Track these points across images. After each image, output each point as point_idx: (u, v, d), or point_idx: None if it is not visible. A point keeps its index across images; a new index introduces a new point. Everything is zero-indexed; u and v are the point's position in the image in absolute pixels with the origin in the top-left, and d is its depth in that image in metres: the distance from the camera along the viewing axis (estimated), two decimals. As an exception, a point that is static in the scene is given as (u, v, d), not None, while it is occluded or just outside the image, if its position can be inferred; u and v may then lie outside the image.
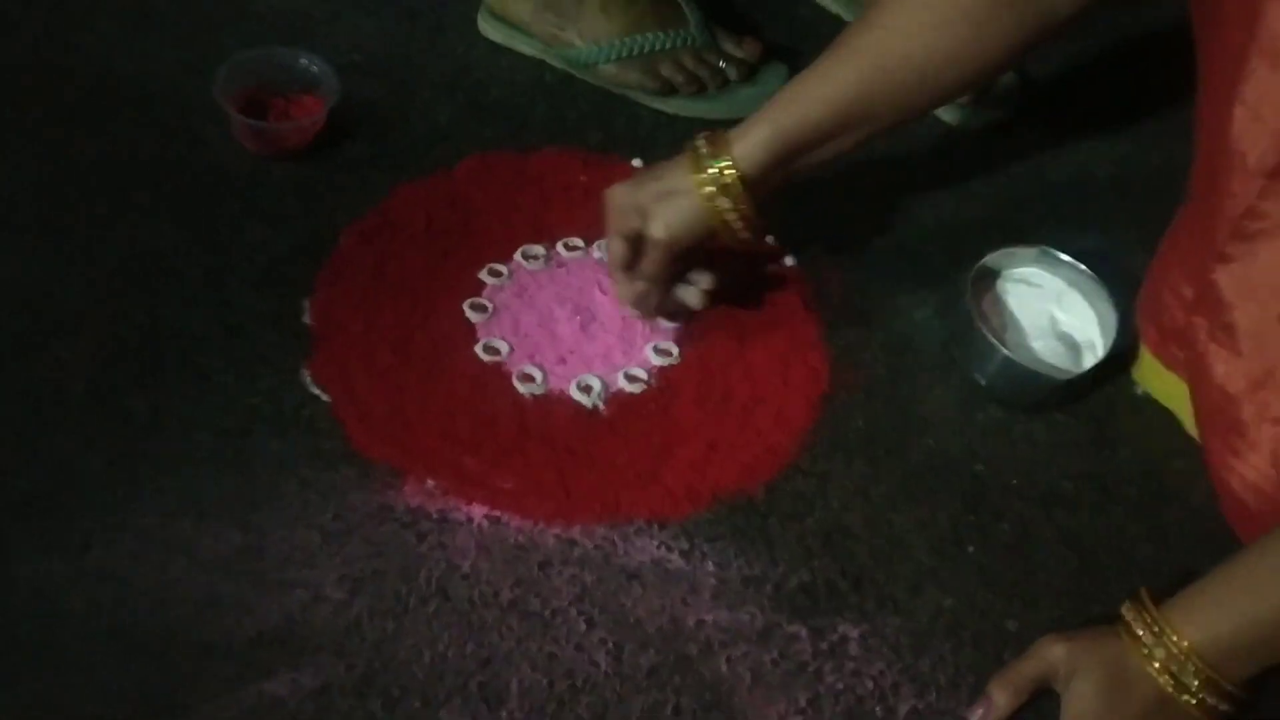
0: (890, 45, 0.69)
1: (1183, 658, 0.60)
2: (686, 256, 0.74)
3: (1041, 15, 0.67)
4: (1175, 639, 0.60)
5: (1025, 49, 0.70)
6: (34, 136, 0.83)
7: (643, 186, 0.72)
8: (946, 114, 0.94)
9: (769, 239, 0.85)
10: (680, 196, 0.71)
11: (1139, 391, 0.80)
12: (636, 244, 0.72)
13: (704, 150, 0.71)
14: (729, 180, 0.70)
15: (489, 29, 0.95)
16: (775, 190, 0.73)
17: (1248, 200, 0.65)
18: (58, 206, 0.80)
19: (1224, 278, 0.68)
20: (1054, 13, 0.68)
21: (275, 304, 0.77)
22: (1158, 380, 0.77)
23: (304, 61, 0.86)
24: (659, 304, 0.76)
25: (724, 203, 0.71)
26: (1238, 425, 0.68)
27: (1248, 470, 0.68)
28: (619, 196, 0.72)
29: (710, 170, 0.70)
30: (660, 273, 0.74)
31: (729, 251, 0.76)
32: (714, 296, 0.77)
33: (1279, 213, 0.64)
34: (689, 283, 0.76)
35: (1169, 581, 0.64)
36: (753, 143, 0.70)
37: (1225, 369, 0.69)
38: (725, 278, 0.77)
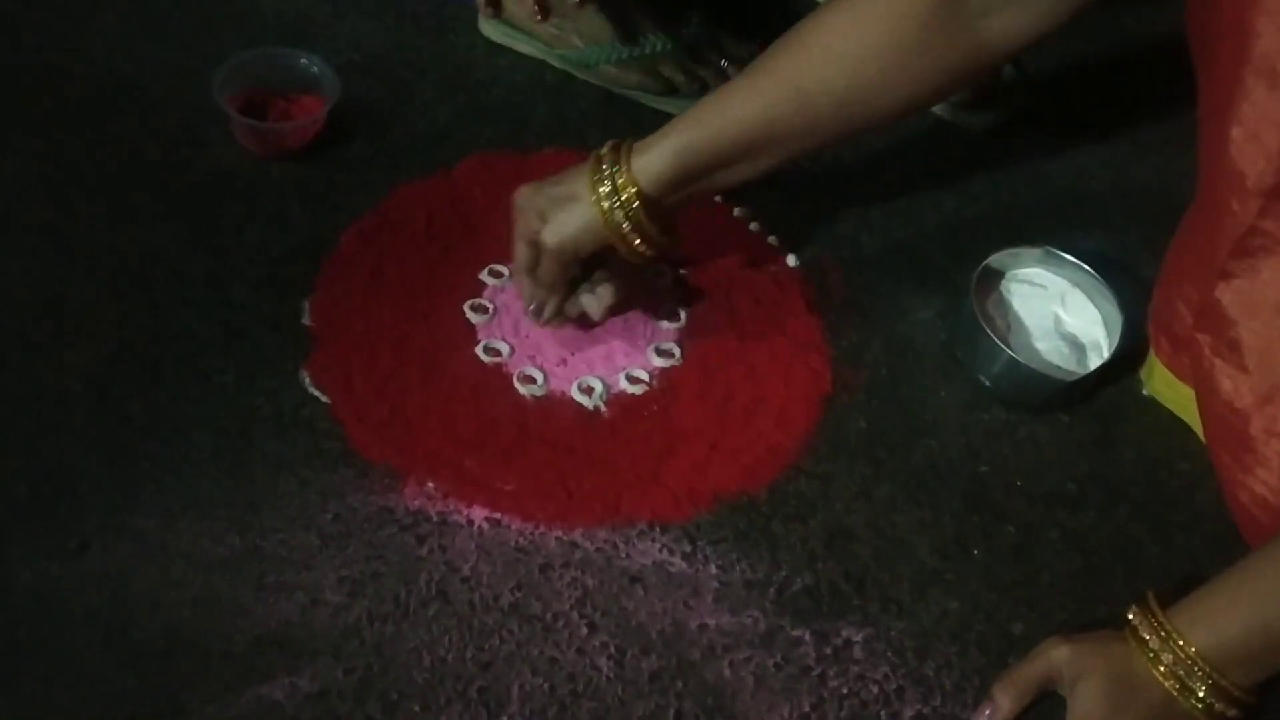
0: (811, 70, 0.66)
1: (1189, 662, 0.60)
2: (588, 263, 0.71)
3: (973, 51, 0.65)
4: (1182, 644, 0.60)
5: (952, 86, 0.68)
6: (34, 137, 0.83)
7: (543, 190, 0.69)
8: (948, 113, 0.94)
9: (771, 239, 0.85)
10: (575, 204, 0.68)
11: (1144, 392, 0.80)
12: (537, 248, 0.70)
13: (605, 159, 0.68)
14: (626, 195, 0.67)
15: (489, 29, 0.94)
16: (676, 208, 0.70)
17: (1248, 219, 0.65)
18: (57, 207, 0.80)
19: (1227, 295, 0.68)
20: (986, 48, 0.65)
21: (275, 304, 0.76)
22: (1170, 391, 0.77)
23: (304, 62, 0.86)
24: (557, 310, 0.74)
25: (619, 216, 0.67)
26: (1246, 441, 0.68)
27: (1257, 485, 0.68)
28: (522, 197, 0.69)
29: (606, 184, 0.67)
30: (554, 280, 0.71)
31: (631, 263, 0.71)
32: (615, 308, 0.74)
33: (1278, 230, 0.64)
34: (591, 291, 0.73)
35: (1175, 583, 0.64)
36: (655, 158, 0.67)
37: (1232, 385, 0.69)
38: (625, 291, 0.74)
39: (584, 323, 0.76)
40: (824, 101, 0.66)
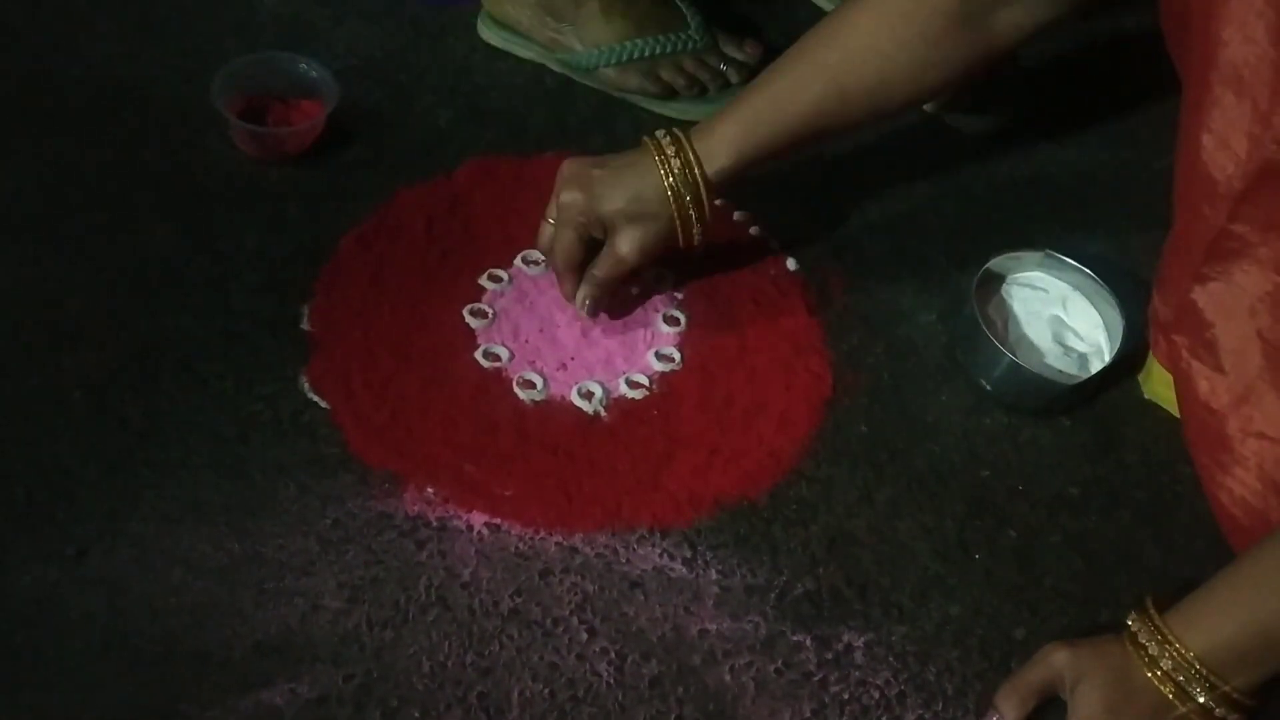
0: (849, 66, 0.70)
1: (1187, 667, 0.59)
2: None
3: (991, 38, 0.70)
4: (1179, 648, 0.60)
5: (967, 75, 0.73)
6: (34, 142, 0.83)
7: (608, 198, 0.72)
8: (950, 117, 0.94)
9: (772, 243, 0.85)
10: (656, 221, 0.72)
11: (1146, 396, 0.80)
12: (587, 242, 0.73)
13: (674, 168, 0.71)
14: (702, 199, 0.72)
15: (488, 33, 0.94)
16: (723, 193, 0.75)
17: (1219, 223, 0.66)
18: (57, 212, 0.80)
19: (1202, 297, 0.69)
20: (1003, 36, 0.70)
21: (274, 309, 0.76)
22: (1167, 391, 0.77)
23: (303, 66, 0.86)
24: (604, 303, 0.77)
25: (692, 215, 0.72)
26: (1223, 441, 0.69)
27: (1235, 485, 0.69)
28: (582, 204, 0.72)
29: (684, 192, 0.71)
30: (615, 283, 0.75)
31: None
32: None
33: (1250, 234, 0.65)
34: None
35: (1176, 587, 0.64)
36: (723, 161, 0.71)
37: (1208, 386, 0.70)
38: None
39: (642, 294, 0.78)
40: (859, 94, 0.71)
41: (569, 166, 0.74)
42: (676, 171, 0.71)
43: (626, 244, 0.72)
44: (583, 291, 0.75)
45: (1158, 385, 0.78)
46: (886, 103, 0.72)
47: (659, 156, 0.72)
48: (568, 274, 0.75)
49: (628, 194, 0.72)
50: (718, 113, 0.73)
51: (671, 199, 0.72)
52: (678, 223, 0.72)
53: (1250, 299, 0.67)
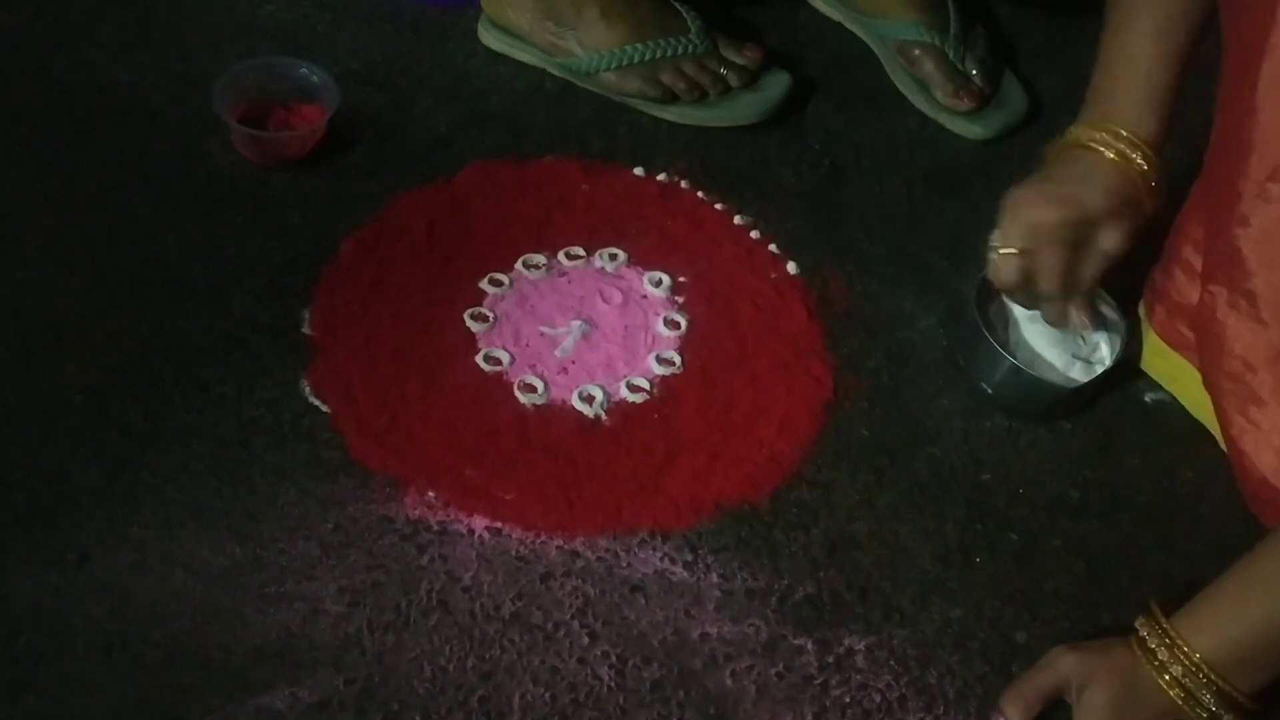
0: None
1: (1195, 671, 0.59)
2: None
3: None
4: (1187, 650, 0.60)
5: None
6: (36, 147, 0.83)
7: (1083, 199, 0.70)
8: (950, 120, 0.94)
9: (772, 247, 0.85)
10: (1131, 206, 0.71)
11: (1147, 399, 0.80)
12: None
13: (1100, 135, 0.70)
14: (1140, 148, 0.70)
15: (488, 37, 0.94)
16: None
17: (1275, 160, 0.64)
18: (58, 217, 0.80)
19: (1246, 243, 0.67)
20: None
21: (275, 314, 0.76)
22: (1160, 361, 0.76)
23: (304, 71, 0.86)
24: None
25: (1149, 179, 0.71)
26: (1256, 398, 0.68)
27: (1265, 444, 0.67)
28: (1056, 217, 0.70)
29: (1121, 148, 0.70)
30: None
31: None
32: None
33: None
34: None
35: (1179, 590, 0.64)
36: (1138, 108, 0.71)
37: (1249, 338, 0.68)
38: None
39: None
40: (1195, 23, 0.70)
41: (1015, 196, 0.71)
42: (1125, 154, 0.70)
43: (1115, 238, 0.71)
44: (1080, 304, 0.74)
45: (1150, 354, 0.77)
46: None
47: (1096, 143, 0.70)
48: (1059, 294, 0.73)
49: (1099, 188, 0.70)
50: (1101, 93, 0.72)
51: (1137, 179, 0.70)
52: (1144, 194, 0.71)
53: None
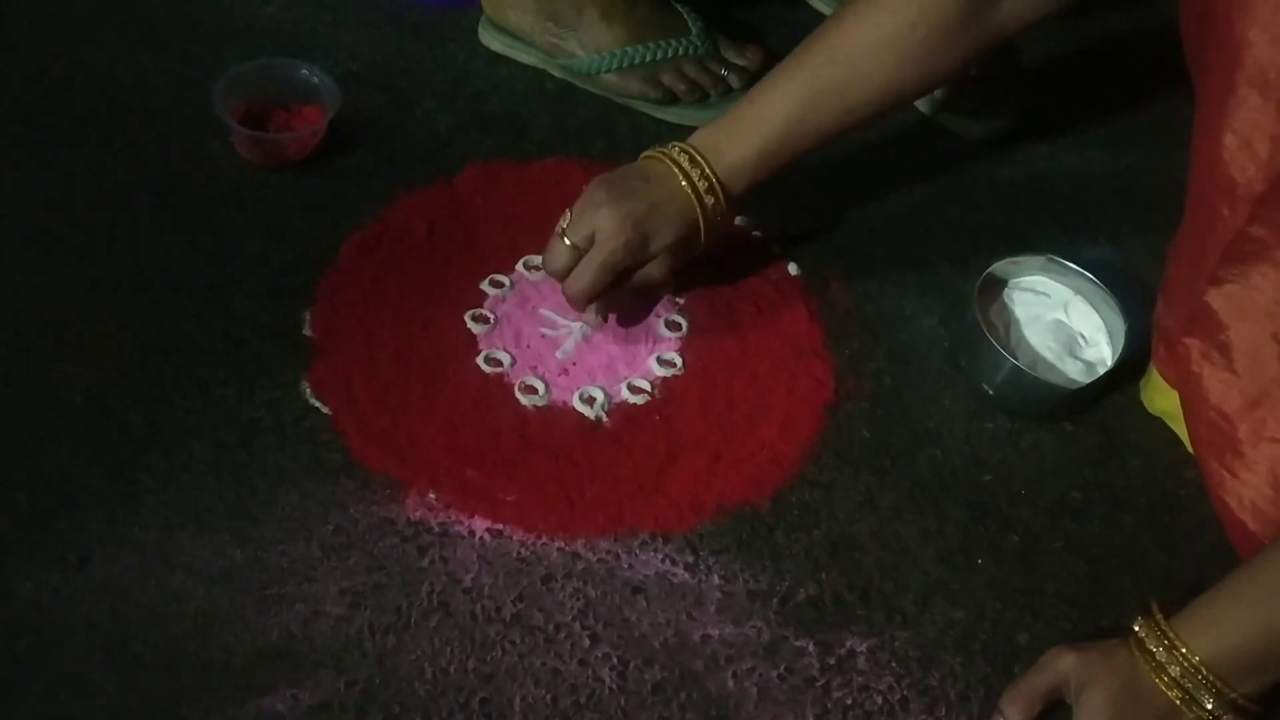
0: (852, 80, 0.72)
1: (1195, 673, 0.59)
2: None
3: (994, 30, 0.72)
4: (1186, 653, 0.60)
5: (973, 61, 0.74)
6: (36, 149, 0.83)
7: (656, 237, 0.73)
8: (952, 122, 0.94)
9: (774, 248, 0.85)
10: (689, 248, 0.75)
11: (1147, 409, 0.79)
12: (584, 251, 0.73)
13: (702, 190, 0.73)
14: (720, 202, 0.74)
15: (489, 39, 0.94)
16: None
17: (1237, 225, 0.65)
18: (59, 218, 0.80)
19: (1217, 299, 0.68)
20: (1005, 29, 0.71)
21: (276, 315, 0.76)
22: (1162, 399, 0.77)
23: (304, 72, 0.86)
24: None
25: (714, 223, 0.75)
26: (1234, 445, 0.68)
27: (1245, 490, 0.68)
28: (632, 247, 0.72)
29: (708, 197, 0.73)
30: (606, 285, 0.74)
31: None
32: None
33: (1268, 237, 0.64)
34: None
35: (1180, 592, 0.64)
36: (738, 167, 0.74)
37: (1221, 389, 0.69)
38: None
39: (640, 294, 0.78)
40: (860, 94, 0.73)
41: (603, 205, 0.72)
42: (709, 204, 0.73)
43: (663, 269, 0.74)
44: (599, 307, 0.76)
45: (1153, 392, 0.78)
46: (896, 96, 0.74)
47: (687, 184, 0.73)
48: (586, 304, 0.75)
49: (674, 231, 0.73)
50: (724, 131, 0.74)
51: (703, 227, 0.74)
52: (704, 233, 0.75)
53: (1267, 301, 0.66)
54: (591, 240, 0.72)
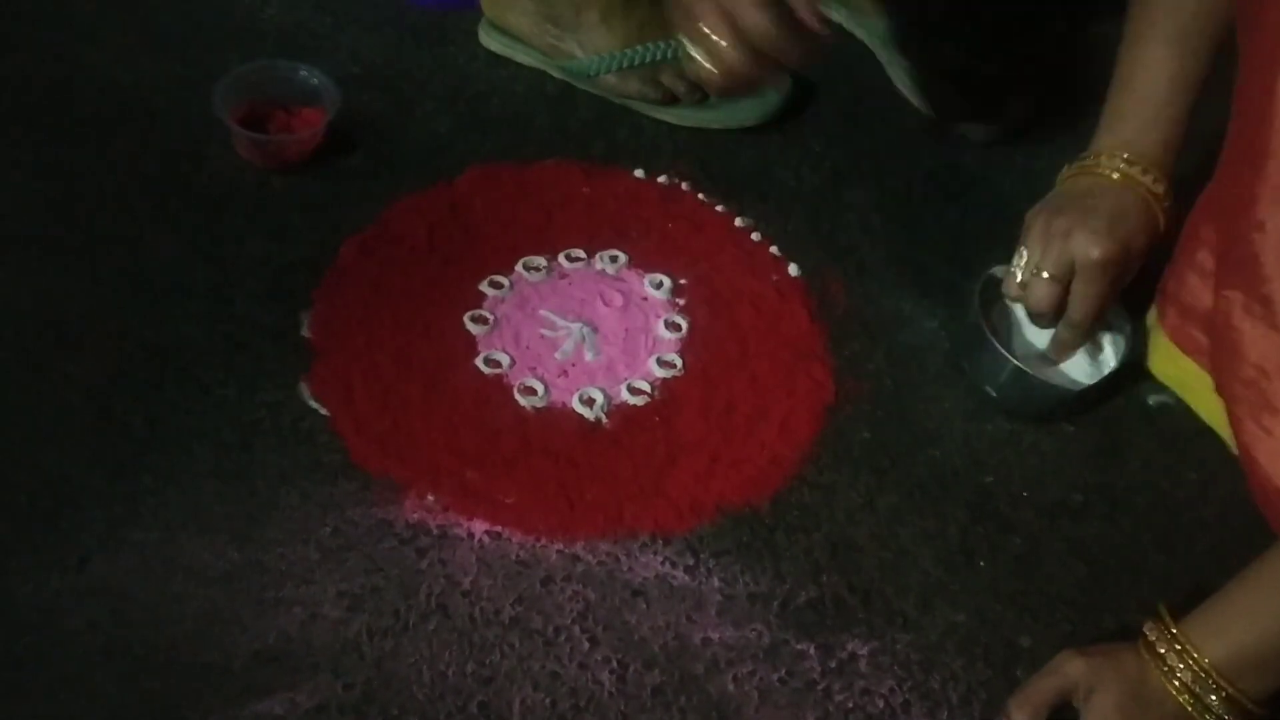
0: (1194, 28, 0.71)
1: (1204, 676, 0.59)
2: None
3: None
4: (1195, 656, 0.59)
5: None
6: (36, 150, 0.83)
7: (1120, 239, 0.72)
8: (950, 124, 0.94)
9: (773, 249, 0.85)
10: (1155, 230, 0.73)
11: (1150, 401, 0.79)
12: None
13: (1137, 174, 0.72)
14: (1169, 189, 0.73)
15: (489, 40, 0.94)
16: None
17: None
18: (59, 220, 0.80)
19: (1263, 249, 0.66)
20: None
21: (276, 317, 0.76)
22: (1171, 366, 0.76)
23: (304, 74, 0.86)
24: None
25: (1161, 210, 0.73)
26: (1271, 405, 0.67)
27: (1278, 453, 0.67)
28: (1104, 248, 0.71)
29: (1156, 187, 0.72)
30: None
31: None
32: None
33: None
34: None
35: (1182, 594, 0.63)
36: (1163, 146, 0.73)
37: (1263, 345, 0.67)
38: None
39: None
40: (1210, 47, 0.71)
41: (1048, 220, 0.73)
42: (1148, 186, 0.72)
43: (1134, 271, 0.73)
44: (1066, 336, 0.75)
45: (1161, 360, 0.77)
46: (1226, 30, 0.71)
47: (1125, 178, 0.72)
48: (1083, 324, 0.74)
49: (1139, 226, 0.72)
50: (1123, 121, 0.73)
51: (1158, 207, 0.72)
52: (1161, 219, 0.73)
53: None
54: (1072, 270, 0.72)
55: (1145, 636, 0.61)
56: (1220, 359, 0.71)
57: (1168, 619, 0.61)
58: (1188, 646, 0.59)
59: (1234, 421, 0.71)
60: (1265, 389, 0.67)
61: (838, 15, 1.00)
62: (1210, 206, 0.73)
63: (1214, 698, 0.59)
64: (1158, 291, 0.77)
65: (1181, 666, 0.59)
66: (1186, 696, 0.59)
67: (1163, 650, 0.60)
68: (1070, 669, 0.62)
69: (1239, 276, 0.68)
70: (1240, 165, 0.68)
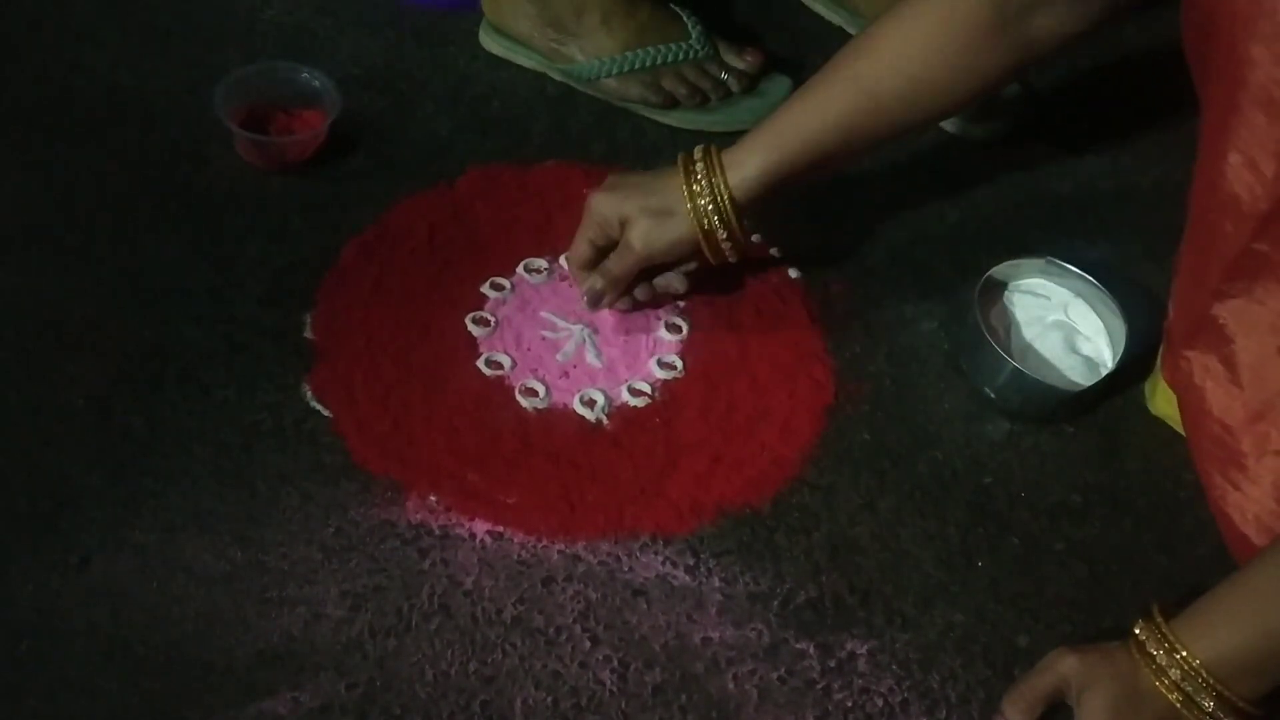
0: (882, 78, 0.71)
1: (1195, 675, 0.59)
2: (659, 268, 0.77)
3: (1024, 47, 0.70)
4: (1186, 655, 0.60)
5: (1006, 79, 0.73)
6: (37, 151, 0.83)
7: (629, 199, 0.74)
8: (951, 125, 0.94)
9: (773, 251, 0.85)
10: (671, 217, 0.73)
11: (1152, 412, 0.79)
12: (604, 250, 0.75)
13: (699, 173, 0.72)
14: (724, 207, 0.72)
15: (490, 42, 0.94)
16: (758, 211, 0.75)
17: (1242, 241, 0.65)
18: (60, 221, 0.80)
19: (1224, 313, 0.68)
20: (1037, 44, 0.70)
21: (277, 318, 0.76)
22: (1166, 402, 0.77)
23: (305, 75, 0.86)
24: (615, 300, 0.77)
25: (716, 225, 0.73)
26: (1237, 459, 0.69)
27: (1249, 504, 0.68)
28: (603, 206, 0.74)
29: (704, 197, 0.72)
30: (627, 278, 0.76)
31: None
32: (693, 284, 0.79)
33: (1273, 253, 0.65)
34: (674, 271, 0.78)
35: (1180, 594, 0.64)
36: (749, 171, 0.72)
37: (1225, 402, 0.69)
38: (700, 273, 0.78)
39: (650, 302, 0.79)
40: (894, 105, 0.71)
41: (607, 179, 0.76)
42: (699, 176, 0.72)
43: (638, 237, 0.73)
44: (589, 280, 0.76)
45: (1163, 403, 0.78)
46: (919, 113, 0.72)
47: (685, 166, 0.73)
48: (576, 273, 0.77)
49: (649, 195, 0.73)
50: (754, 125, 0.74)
51: (687, 199, 0.72)
52: (699, 231, 0.73)
53: (1272, 316, 0.66)
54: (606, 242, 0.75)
55: (1136, 635, 0.62)
56: (1187, 416, 0.73)
57: (1159, 618, 0.61)
58: (1177, 645, 0.60)
59: (1203, 476, 0.72)
60: (1231, 445, 0.69)
61: (838, 19, 1.00)
62: (1181, 265, 0.73)
63: (1204, 696, 0.59)
64: (1164, 333, 0.77)
65: (1170, 665, 0.60)
66: (1176, 695, 0.60)
67: (1153, 649, 0.60)
68: (1063, 666, 0.62)
69: (1201, 338, 0.70)
70: (1198, 232, 0.69)
